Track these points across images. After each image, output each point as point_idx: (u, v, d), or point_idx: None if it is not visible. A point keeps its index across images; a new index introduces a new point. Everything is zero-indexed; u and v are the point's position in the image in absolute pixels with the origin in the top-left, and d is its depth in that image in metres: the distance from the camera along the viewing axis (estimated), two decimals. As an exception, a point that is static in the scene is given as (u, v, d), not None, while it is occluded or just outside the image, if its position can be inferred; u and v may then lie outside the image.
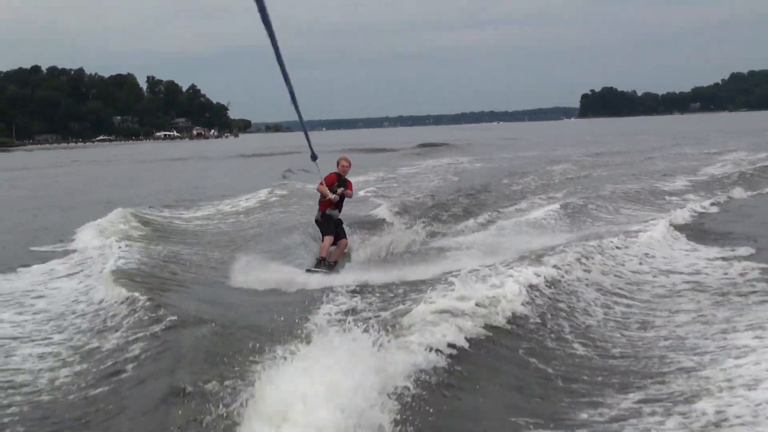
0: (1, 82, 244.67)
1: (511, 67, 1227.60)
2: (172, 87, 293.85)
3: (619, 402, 7.52)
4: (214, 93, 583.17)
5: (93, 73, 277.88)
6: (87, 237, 19.83)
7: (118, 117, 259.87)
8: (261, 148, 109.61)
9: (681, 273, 13.72)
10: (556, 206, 21.88)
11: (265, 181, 38.11)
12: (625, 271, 13.80)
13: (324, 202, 14.87)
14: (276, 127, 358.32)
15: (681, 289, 12.45)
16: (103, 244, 17.90)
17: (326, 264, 14.31)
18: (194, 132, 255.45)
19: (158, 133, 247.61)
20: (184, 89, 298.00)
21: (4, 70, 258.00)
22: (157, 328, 10.03)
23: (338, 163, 15.22)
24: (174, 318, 10.26)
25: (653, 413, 7.11)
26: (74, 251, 18.30)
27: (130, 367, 8.80)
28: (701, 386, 7.52)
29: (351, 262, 15.08)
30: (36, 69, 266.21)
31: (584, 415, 7.25)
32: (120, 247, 16.84)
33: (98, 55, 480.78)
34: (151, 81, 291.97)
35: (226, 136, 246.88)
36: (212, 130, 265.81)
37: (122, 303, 11.61)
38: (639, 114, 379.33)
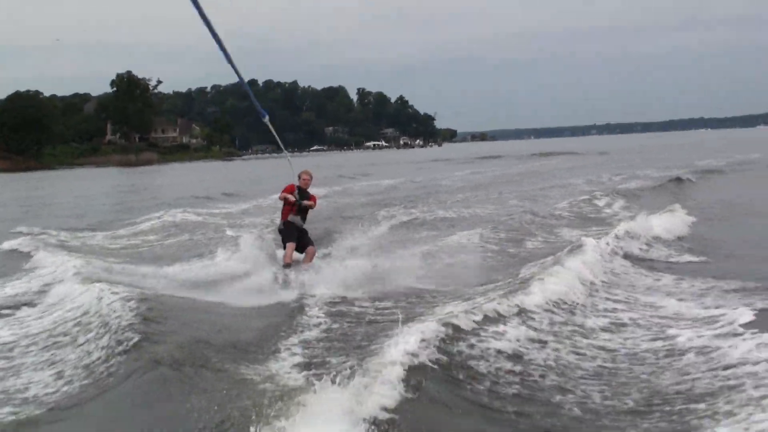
0: (221, 96, 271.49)
1: (723, 71, 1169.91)
2: (380, 98, 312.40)
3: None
4: (422, 103, 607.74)
5: (306, 86, 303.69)
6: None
7: (330, 128, 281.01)
8: (445, 155, 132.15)
9: None
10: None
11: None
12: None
13: (286, 206, 15.58)
14: (482, 136, 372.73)
15: None
16: None
17: (292, 270, 14.77)
18: (401, 142, 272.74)
19: (367, 143, 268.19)
20: (393, 100, 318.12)
21: (223, 84, 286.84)
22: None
23: (299, 177, 15.85)
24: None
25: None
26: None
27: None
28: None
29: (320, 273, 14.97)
30: (253, 82, 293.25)
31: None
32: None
33: (310, 67, 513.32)
34: (361, 93, 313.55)
35: (431, 146, 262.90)
36: (417, 140, 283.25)
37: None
38: None
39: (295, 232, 15.32)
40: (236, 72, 12.22)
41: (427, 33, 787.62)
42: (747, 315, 10.91)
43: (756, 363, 8.77)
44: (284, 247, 15.32)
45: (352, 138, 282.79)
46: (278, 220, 16.08)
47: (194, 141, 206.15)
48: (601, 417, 7.79)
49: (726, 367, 8.92)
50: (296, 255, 15.62)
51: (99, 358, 10.61)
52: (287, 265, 14.77)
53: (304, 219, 15.58)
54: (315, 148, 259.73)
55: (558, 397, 8.39)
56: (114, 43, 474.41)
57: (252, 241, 21.02)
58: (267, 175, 52.00)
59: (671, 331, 10.78)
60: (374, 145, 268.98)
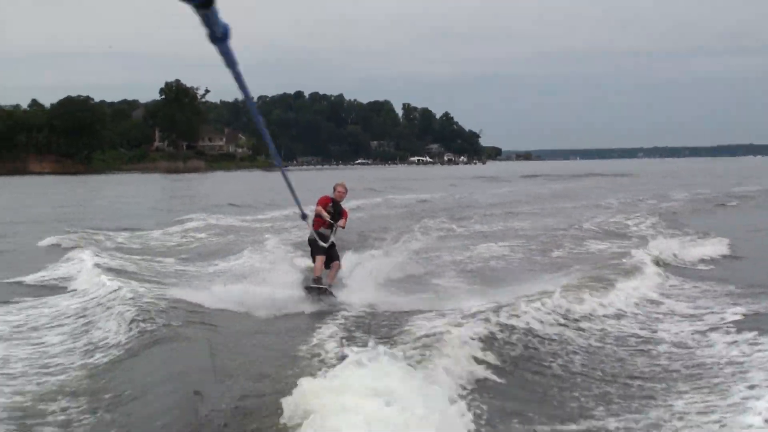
0: (268, 107, 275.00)
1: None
2: (426, 114, 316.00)
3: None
4: (467, 119, 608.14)
5: (352, 99, 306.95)
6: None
7: (375, 142, 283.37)
8: (488, 172, 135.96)
9: None
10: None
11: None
12: None
13: (317, 218, 15.81)
14: (526, 156, 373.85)
15: None
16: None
17: (321, 284, 15.05)
18: (445, 158, 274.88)
19: (412, 158, 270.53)
20: (438, 116, 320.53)
21: (270, 95, 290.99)
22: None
23: (334, 189, 16.12)
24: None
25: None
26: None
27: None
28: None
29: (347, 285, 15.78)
30: (299, 94, 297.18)
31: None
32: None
33: (353, 80, 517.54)
34: (407, 108, 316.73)
35: (474, 163, 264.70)
36: (462, 157, 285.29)
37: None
38: None
39: (325, 245, 15.50)
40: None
41: (473, 49, 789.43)
42: (732, 316, 12.43)
43: (721, 356, 10.34)
44: (313, 260, 15.57)
45: (397, 152, 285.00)
46: (309, 229, 15.91)
47: (240, 150, 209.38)
48: (576, 377, 9.71)
49: (693, 357, 10.47)
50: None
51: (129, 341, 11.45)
52: (317, 279, 15.09)
53: (334, 232, 15.84)
54: (359, 161, 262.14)
55: (549, 360, 10.39)
56: (162, 52, 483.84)
57: (284, 248, 22.58)
58: (304, 187, 53.32)
59: (660, 325, 12.43)
60: (419, 160, 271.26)
